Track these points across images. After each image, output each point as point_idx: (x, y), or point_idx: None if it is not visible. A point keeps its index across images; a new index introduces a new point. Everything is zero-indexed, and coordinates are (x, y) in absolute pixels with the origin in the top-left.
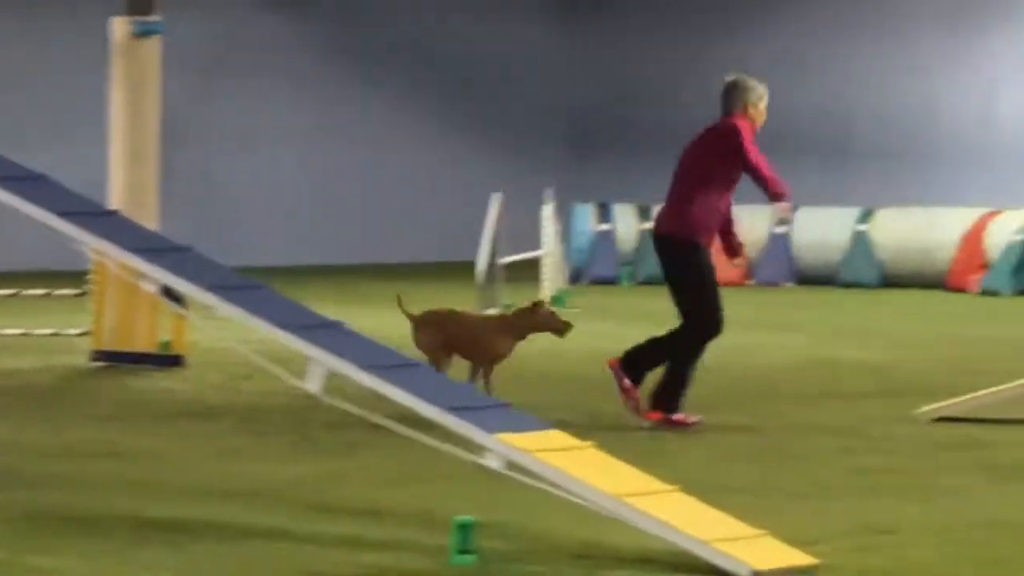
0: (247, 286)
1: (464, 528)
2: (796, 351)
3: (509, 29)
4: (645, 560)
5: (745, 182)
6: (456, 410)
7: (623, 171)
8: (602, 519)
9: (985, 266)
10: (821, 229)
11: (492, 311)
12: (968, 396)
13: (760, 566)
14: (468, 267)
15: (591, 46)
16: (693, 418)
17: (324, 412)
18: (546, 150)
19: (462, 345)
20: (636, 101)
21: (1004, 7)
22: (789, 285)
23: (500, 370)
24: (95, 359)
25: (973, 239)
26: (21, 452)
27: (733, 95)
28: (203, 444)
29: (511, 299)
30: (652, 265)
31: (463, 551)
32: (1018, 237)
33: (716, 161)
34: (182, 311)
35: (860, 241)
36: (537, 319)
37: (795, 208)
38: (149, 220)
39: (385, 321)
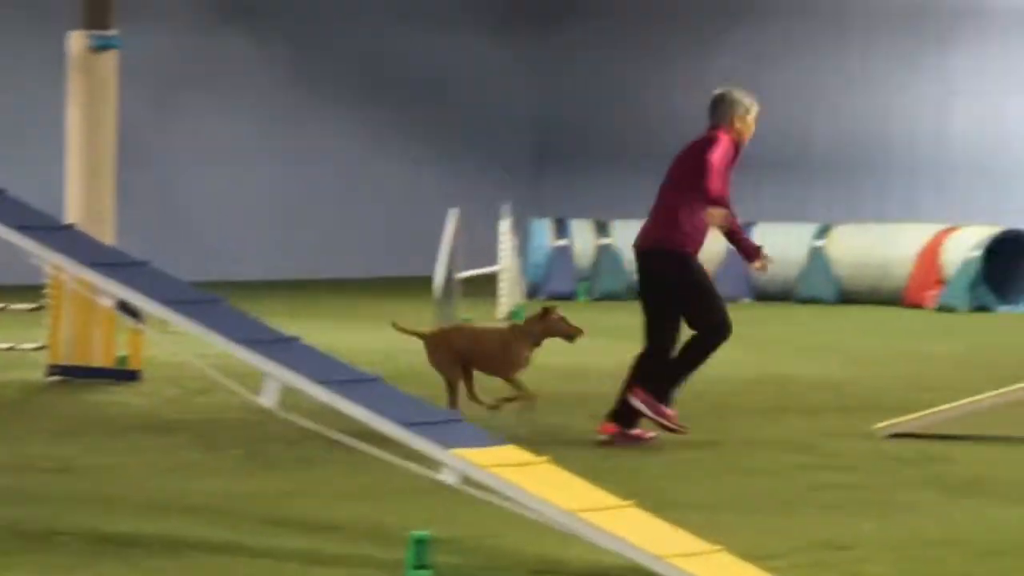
0: (203, 301)
1: (420, 543)
2: (753, 367)
3: (467, 45)
4: (600, 575)
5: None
6: (412, 425)
7: (580, 187)
8: (558, 534)
9: (941, 282)
10: (778, 245)
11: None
12: (924, 412)
13: None
14: (425, 282)
15: (547, 63)
16: (649, 433)
17: (280, 427)
18: (504, 165)
19: (479, 359)
20: (594, 117)
21: (957, 24)
22: (747, 301)
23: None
24: (51, 373)
25: (929, 255)
26: None
27: (720, 108)
28: (158, 459)
29: (469, 314)
30: (609, 281)
31: (419, 566)
32: (974, 253)
33: (697, 174)
34: (139, 326)
35: (817, 257)
36: (549, 325)
37: (751, 224)
38: (106, 235)
39: (341, 336)
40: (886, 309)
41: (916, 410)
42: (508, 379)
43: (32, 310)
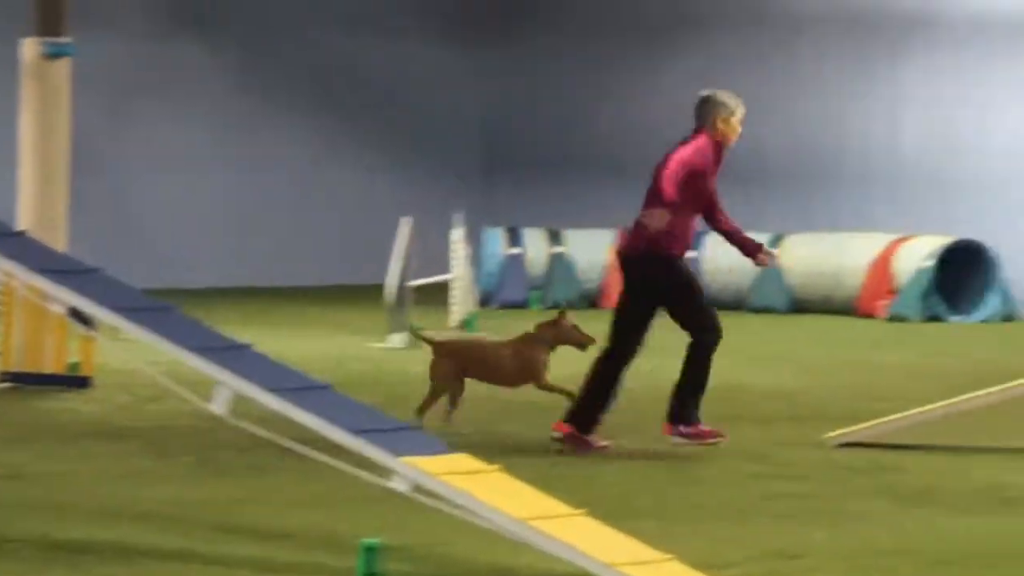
0: (155, 308)
1: (371, 551)
2: None
3: (419, 52)
4: None
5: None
6: (363, 433)
7: (533, 196)
8: (509, 542)
9: (893, 292)
10: (731, 254)
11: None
12: (875, 422)
13: None
14: (377, 290)
15: (500, 71)
16: (603, 442)
17: (231, 434)
18: (456, 174)
19: (493, 374)
20: (547, 126)
21: (909, 34)
22: None
23: (411, 392)
24: (2, 380)
25: (882, 265)
26: None
27: (703, 110)
28: (110, 466)
29: (421, 322)
30: (562, 289)
31: (370, 574)
32: (926, 263)
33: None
34: (90, 332)
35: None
36: (561, 332)
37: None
38: (58, 242)
39: (293, 344)
40: (838, 318)
41: (868, 419)
42: (542, 387)
43: None
